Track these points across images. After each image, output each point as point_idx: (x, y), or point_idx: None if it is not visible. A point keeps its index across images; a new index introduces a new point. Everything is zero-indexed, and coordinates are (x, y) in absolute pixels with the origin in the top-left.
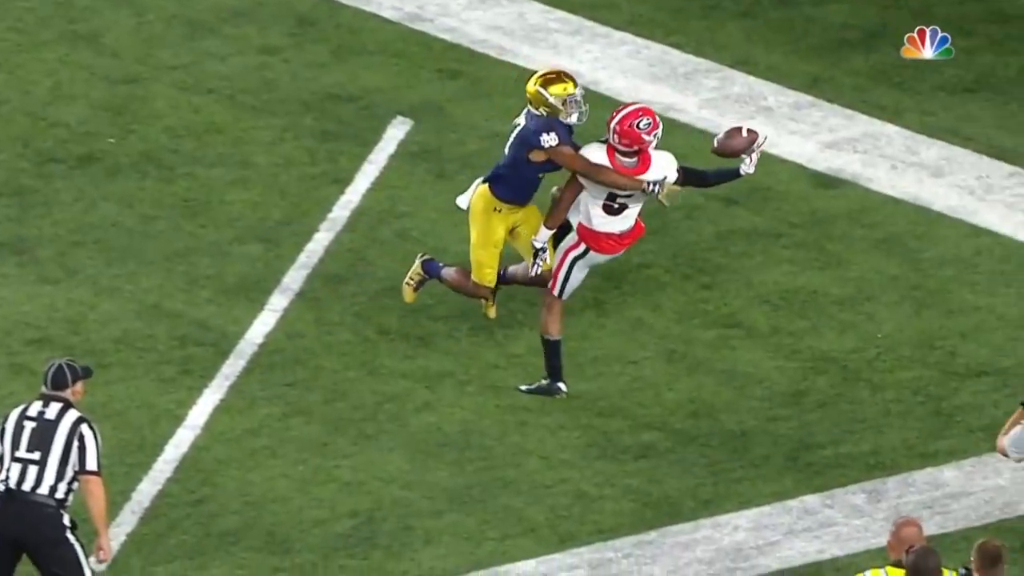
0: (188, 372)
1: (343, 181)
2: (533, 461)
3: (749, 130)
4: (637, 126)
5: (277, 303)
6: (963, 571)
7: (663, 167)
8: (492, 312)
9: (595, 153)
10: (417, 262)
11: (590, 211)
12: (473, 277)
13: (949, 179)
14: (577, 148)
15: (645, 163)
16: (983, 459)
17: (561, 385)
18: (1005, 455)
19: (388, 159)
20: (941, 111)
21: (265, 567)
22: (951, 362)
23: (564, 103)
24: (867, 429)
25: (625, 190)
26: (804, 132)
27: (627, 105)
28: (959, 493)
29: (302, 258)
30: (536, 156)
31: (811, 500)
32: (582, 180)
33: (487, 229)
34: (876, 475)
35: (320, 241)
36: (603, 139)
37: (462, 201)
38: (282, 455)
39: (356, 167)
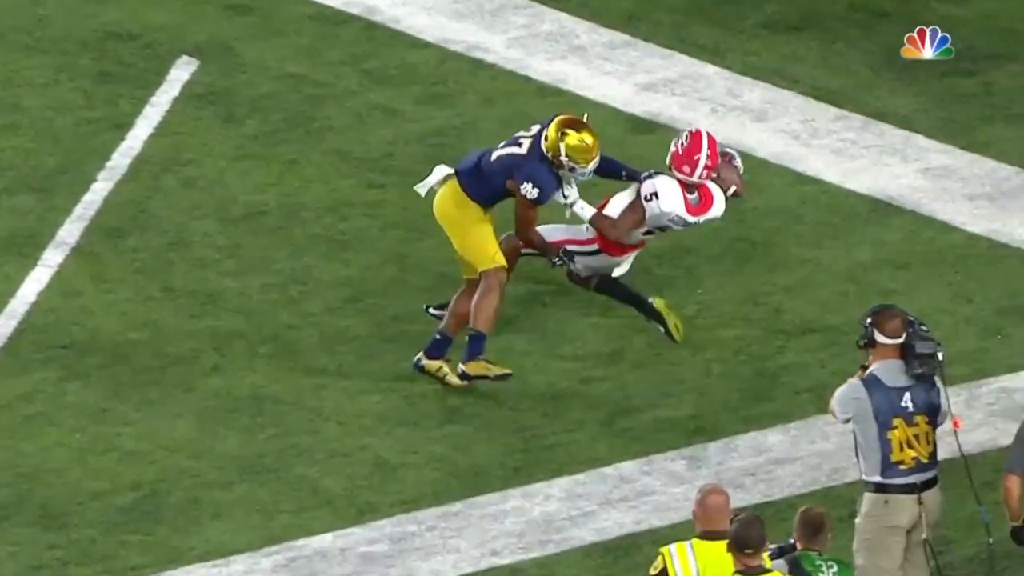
0: None
1: (123, 126)
2: (330, 427)
3: (722, 153)
4: (722, 154)
5: (51, 258)
6: (790, 541)
7: (720, 203)
8: (455, 380)
9: (670, 189)
10: (426, 362)
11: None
12: (482, 268)
13: (773, 123)
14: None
15: (708, 199)
16: (809, 422)
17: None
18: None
19: (172, 102)
20: (764, 51)
21: (39, 544)
22: (775, 319)
23: (571, 170)
24: (687, 391)
25: (537, 249)
26: (619, 73)
27: (696, 136)
28: (784, 459)
29: (78, 210)
30: (511, 186)
31: (628, 467)
32: (632, 209)
33: (465, 216)
34: (697, 440)
35: (98, 191)
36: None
37: (426, 186)
38: (58, 422)
39: (137, 111)
